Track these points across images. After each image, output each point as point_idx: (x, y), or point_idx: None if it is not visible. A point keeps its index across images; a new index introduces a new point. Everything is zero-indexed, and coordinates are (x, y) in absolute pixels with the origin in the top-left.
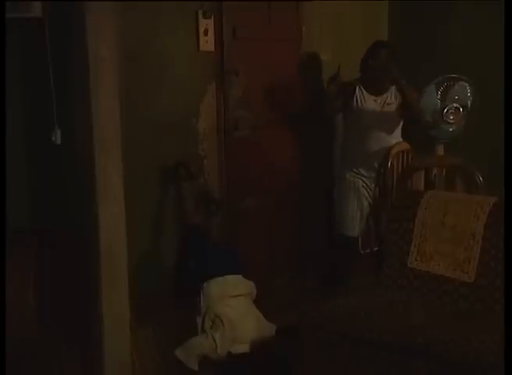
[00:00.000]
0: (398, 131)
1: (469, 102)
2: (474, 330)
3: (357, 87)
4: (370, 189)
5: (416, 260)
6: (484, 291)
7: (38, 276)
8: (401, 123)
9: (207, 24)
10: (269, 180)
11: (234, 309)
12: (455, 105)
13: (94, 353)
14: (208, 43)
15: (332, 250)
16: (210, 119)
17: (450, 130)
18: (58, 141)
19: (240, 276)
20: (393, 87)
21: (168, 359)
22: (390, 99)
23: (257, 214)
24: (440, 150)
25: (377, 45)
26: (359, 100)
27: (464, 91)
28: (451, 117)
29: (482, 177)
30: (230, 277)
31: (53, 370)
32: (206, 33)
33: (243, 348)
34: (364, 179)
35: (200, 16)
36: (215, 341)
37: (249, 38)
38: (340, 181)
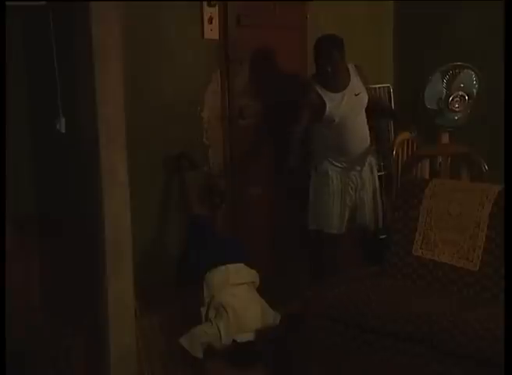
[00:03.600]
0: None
1: (474, 90)
2: (479, 319)
3: (318, 89)
4: (354, 184)
5: (421, 248)
6: (489, 279)
7: (43, 265)
8: None
9: (211, 12)
10: (274, 169)
11: (238, 298)
12: (460, 93)
13: (100, 341)
14: (212, 31)
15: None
16: (214, 107)
17: (456, 118)
18: (63, 130)
19: (241, 265)
20: (354, 78)
21: (173, 347)
22: (358, 89)
23: (261, 203)
24: (445, 138)
25: (323, 43)
26: (326, 101)
27: (470, 79)
28: (456, 105)
29: (487, 166)
30: (232, 266)
31: (58, 358)
32: (210, 21)
33: (247, 336)
34: (348, 173)
35: (205, 4)
36: (219, 330)
37: (253, 26)
38: (321, 177)
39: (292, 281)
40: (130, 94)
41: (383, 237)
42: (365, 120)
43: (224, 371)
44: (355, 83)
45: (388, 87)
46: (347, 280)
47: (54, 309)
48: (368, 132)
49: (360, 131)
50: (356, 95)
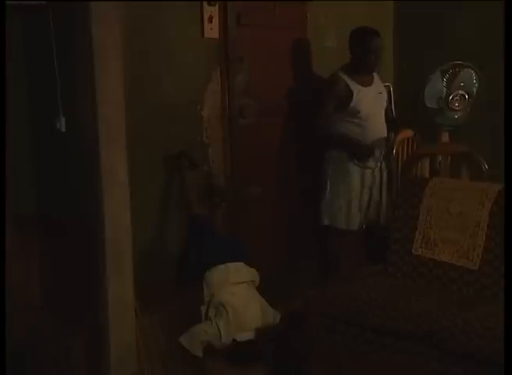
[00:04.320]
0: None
1: (475, 89)
2: (479, 317)
3: (348, 81)
4: (368, 181)
5: (421, 247)
6: (488, 278)
7: (43, 264)
8: None
9: (211, 11)
10: (274, 168)
11: (238, 297)
12: (460, 92)
13: (100, 340)
14: (212, 30)
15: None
16: (214, 106)
17: (456, 117)
18: (63, 129)
19: (241, 264)
20: (377, 77)
21: (173, 346)
22: (379, 88)
23: (261, 202)
24: (445, 137)
25: (369, 33)
26: (354, 92)
27: (470, 78)
28: (456, 104)
29: (488, 165)
30: (231, 265)
31: (58, 358)
32: (211, 20)
33: (247, 335)
34: (364, 170)
35: (205, 3)
36: (219, 329)
37: (253, 25)
38: (341, 173)
39: (292, 280)
40: (130, 93)
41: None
42: (384, 120)
43: (224, 370)
44: (378, 81)
45: (388, 86)
46: (348, 279)
47: (54, 309)
48: (385, 132)
49: (380, 130)
50: (379, 93)
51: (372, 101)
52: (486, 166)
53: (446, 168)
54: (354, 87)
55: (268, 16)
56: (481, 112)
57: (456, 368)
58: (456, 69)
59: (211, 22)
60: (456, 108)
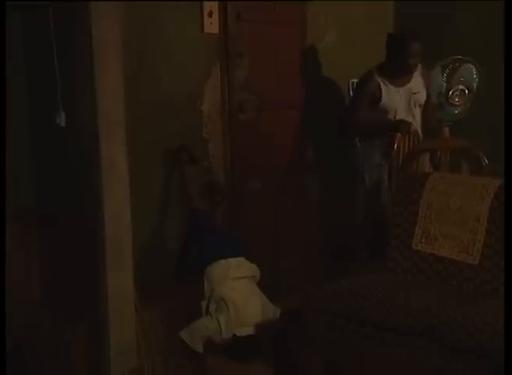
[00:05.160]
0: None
1: (475, 84)
2: (479, 312)
3: (380, 81)
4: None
5: (421, 242)
6: (488, 273)
7: (43, 260)
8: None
9: (211, 6)
10: (274, 163)
11: (238, 292)
12: (460, 87)
13: (100, 335)
14: (212, 25)
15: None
16: (214, 101)
17: (456, 112)
18: (63, 124)
19: (242, 259)
20: (418, 77)
21: (173, 341)
22: (416, 88)
23: (261, 197)
24: (445, 132)
25: (408, 38)
26: (384, 93)
27: (470, 73)
28: (456, 99)
29: (488, 160)
30: (233, 260)
31: (58, 353)
32: (210, 15)
33: (247, 330)
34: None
35: None
36: (219, 324)
37: (253, 20)
38: (375, 165)
39: (292, 275)
40: (130, 88)
41: None
42: (419, 120)
43: (224, 365)
44: (417, 81)
45: None
46: (348, 275)
47: (54, 305)
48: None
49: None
50: (414, 93)
51: (403, 101)
52: (486, 161)
53: (446, 163)
54: (385, 86)
55: (268, 12)
56: (481, 107)
57: (456, 363)
58: (457, 64)
59: (211, 17)
60: (457, 103)
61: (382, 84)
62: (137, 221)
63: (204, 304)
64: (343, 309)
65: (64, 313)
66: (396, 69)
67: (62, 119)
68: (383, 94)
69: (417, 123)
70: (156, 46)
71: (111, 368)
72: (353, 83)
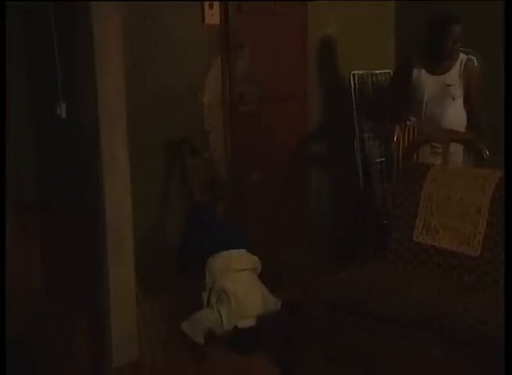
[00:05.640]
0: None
1: None
2: (480, 304)
3: (417, 69)
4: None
5: (421, 234)
6: (489, 264)
7: (43, 251)
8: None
9: None
10: (275, 155)
11: (239, 284)
12: None
13: (101, 327)
14: (213, 16)
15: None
16: (215, 93)
17: None
18: (64, 115)
19: (244, 251)
20: (457, 66)
21: (175, 333)
22: (451, 80)
23: (262, 190)
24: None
25: (450, 21)
26: (415, 80)
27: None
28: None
29: (489, 151)
30: (235, 252)
31: (60, 344)
32: (211, 6)
33: (248, 322)
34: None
35: None
36: (220, 316)
37: (254, 12)
38: None
39: (293, 268)
40: (131, 80)
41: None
42: (455, 112)
43: (225, 357)
44: (454, 73)
45: (389, 72)
46: (349, 266)
47: (55, 296)
48: (451, 124)
49: (436, 120)
50: (448, 85)
51: (437, 91)
52: (487, 153)
53: (447, 155)
54: (420, 74)
55: (270, 3)
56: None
57: (457, 354)
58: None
59: (211, 8)
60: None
61: (417, 70)
62: (138, 213)
63: (205, 295)
64: (343, 301)
65: (65, 305)
66: (436, 56)
67: (62, 111)
68: (417, 81)
69: (453, 116)
70: (157, 37)
71: (112, 360)
72: (354, 74)
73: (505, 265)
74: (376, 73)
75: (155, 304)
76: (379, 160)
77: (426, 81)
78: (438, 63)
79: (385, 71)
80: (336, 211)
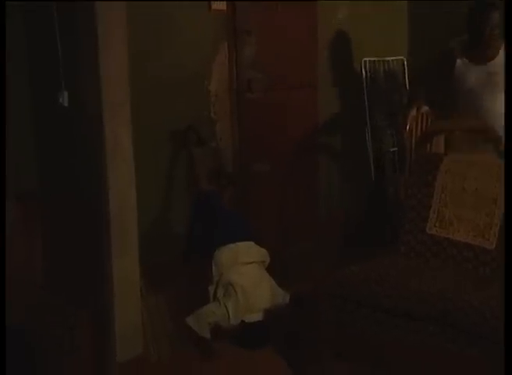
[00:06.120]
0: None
1: None
2: (495, 297)
3: (457, 56)
4: None
5: (435, 226)
6: None
7: (45, 242)
8: None
9: None
10: (284, 144)
11: (247, 277)
12: None
13: (104, 321)
14: (220, 1)
15: None
16: (222, 80)
17: None
18: (66, 103)
19: (252, 243)
20: (502, 54)
21: (180, 327)
22: (495, 69)
23: (270, 180)
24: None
25: (486, 7)
26: (458, 70)
27: None
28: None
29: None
30: (242, 244)
31: (62, 337)
32: None
33: (256, 316)
34: None
35: None
36: (227, 310)
37: None
38: None
39: (301, 260)
40: (135, 66)
41: None
42: (499, 102)
43: (231, 352)
44: (499, 62)
45: (402, 59)
46: (360, 259)
47: (57, 288)
48: (493, 118)
49: (489, 111)
50: (493, 75)
51: (479, 80)
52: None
53: (462, 144)
54: (461, 63)
55: None
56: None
57: (471, 349)
58: None
59: None
60: None
61: (458, 58)
62: (143, 204)
63: (211, 289)
64: (353, 295)
65: (67, 298)
66: (476, 44)
67: (64, 99)
68: (457, 70)
69: (497, 107)
70: (162, 23)
71: (115, 355)
72: (365, 61)
73: (505, 265)
74: (389, 60)
75: (160, 297)
76: (391, 150)
77: (469, 71)
78: (480, 52)
79: (397, 58)
80: (346, 202)
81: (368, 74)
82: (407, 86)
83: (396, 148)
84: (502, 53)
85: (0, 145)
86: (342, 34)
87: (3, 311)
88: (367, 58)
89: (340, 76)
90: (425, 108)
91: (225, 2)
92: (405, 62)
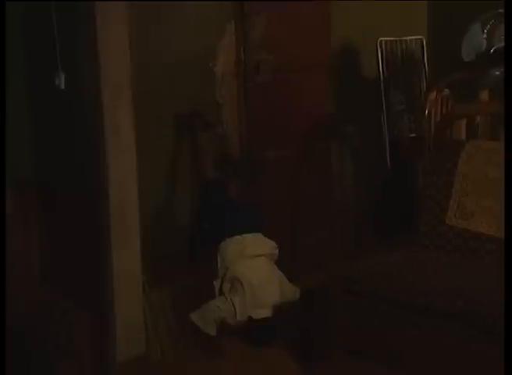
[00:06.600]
0: None
1: None
2: None
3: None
4: None
5: (455, 217)
6: None
7: (42, 234)
8: None
9: None
10: (294, 130)
11: (255, 271)
12: (503, 45)
13: (104, 317)
14: None
15: None
16: (228, 62)
17: (497, 73)
18: (63, 86)
19: (260, 235)
20: None
21: (184, 323)
22: None
23: (280, 168)
24: (484, 95)
25: None
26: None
27: None
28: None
29: None
30: (249, 236)
31: (60, 334)
32: None
33: (264, 312)
34: None
35: None
36: (233, 306)
37: None
38: None
39: (313, 253)
40: (138, 47)
41: None
42: None
43: (238, 349)
44: None
45: (421, 39)
46: (376, 252)
47: (54, 283)
48: None
49: None
50: None
51: None
52: None
53: (484, 130)
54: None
55: None
56: None
57: (493, 348)
58: (499, 19)
59: None
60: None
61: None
62: (145, 193)
63: (217, 283)
64: (368, 289)
65: (65, 292)
66: None
67: (61, 81)
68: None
69: None
70: (166, 2)
71: (116, 353)
72: (381, 41)
73: (505, 265)
74: (406, 40)
75: (163, 292)
76: (409, 136)
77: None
78: None
79: (416, 37)
80: (360, 191)
81: (384, 55)
82: (426, 67)
83: (413, 134)
84: None
85: (0, 141)
86: (356, 12)
87: (3, 311)
88: (383, 38)
89: (354, 58)
90: (446, 92)
91: None
92: (424, 42)
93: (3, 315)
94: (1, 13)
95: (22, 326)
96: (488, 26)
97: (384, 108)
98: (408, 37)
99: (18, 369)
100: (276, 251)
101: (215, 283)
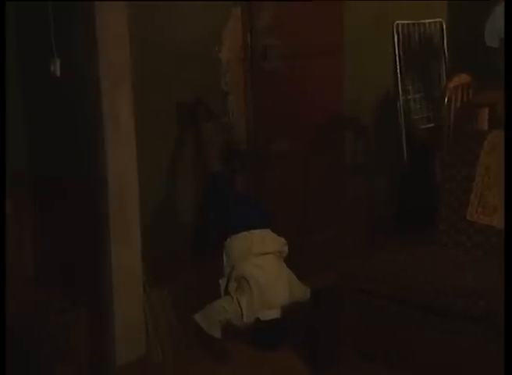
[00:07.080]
0: None
1: None
2: None
3: None
4: None
5: (477, 213)
6: None
7: (37, 231)
8: None
9: None
10: (303, 120)
11: (262, 270)
12: None
13: (103, 317)
14: None
15: None
16: (234, 47)
17: None
18: (58, 73)
19: (268, 231)
20: None
21: (187, 324)
22: None
23: (288, 160)
24: None
25: None
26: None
27: None
28: None
29: None
30: (257, 232)
31: (58, 335)
32: None
33: (272, 313)
34: None
35: None
36: (240, 306)
37: None
38: None
39: (324, 250)
40: (137, 31)
41: None
42: None
43: (245, 353)
44: None
45: (440, 22)
46: (391, 249)
47: (50, 282)
48: None
49: None
50: None
51: None
52: None
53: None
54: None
55: None
56: None
57: None
58: None
59: None
60: None
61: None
62: (146, 187)
63: (222, 282)
64: (383, 289)
65: (62, 293)
66: None
67: (56, 68)
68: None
69: None
70: None
71: (115, 355)
72: (398, 25)
73: (505, 264)
74: (425, 23)
75: (165, 292)
76: (427, 126)
77: None
78: None
79: (435, 20)
80: (374, 185)
81: (401, 39)
82: (446, 52)
83: (432, 124)
84: None
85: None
86: None
87: (3, 311)
88: (399, 21)
89: (369, 42)
90: (467, 78)
91: None
92: (444, 26)
93: (3, 315)
94: (1, 13)
95: (16, 327)
96: None
97: (400, 95)
98: (427, 20)
99: (14, 371)
100: (285, 249)
101: (220, 282)
